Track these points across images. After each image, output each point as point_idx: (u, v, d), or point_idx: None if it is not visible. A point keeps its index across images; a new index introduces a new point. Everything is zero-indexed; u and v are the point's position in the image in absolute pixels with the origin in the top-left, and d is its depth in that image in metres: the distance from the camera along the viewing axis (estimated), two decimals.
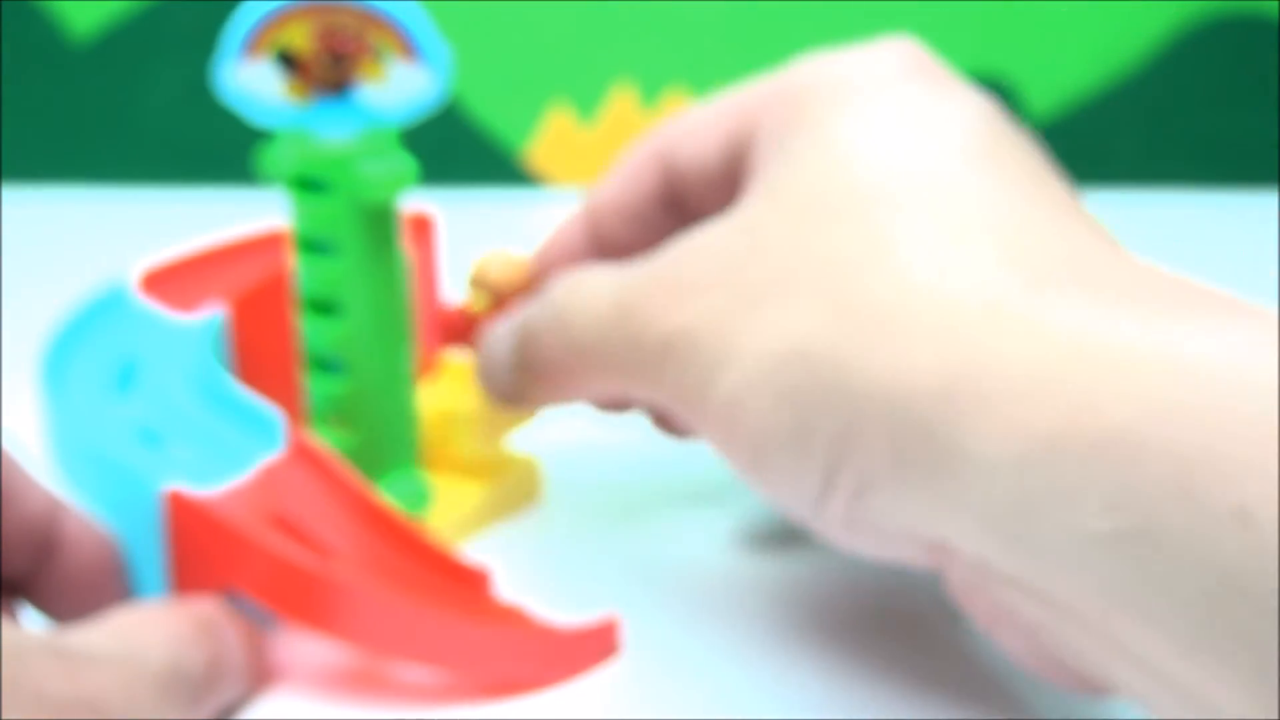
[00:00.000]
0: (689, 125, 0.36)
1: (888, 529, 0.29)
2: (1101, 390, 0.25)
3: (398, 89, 0.35)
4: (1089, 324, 0.26)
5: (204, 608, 0.30)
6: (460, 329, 0.40)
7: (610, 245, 0.37)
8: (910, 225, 0.29)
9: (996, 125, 0.31)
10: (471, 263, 0.39)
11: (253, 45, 0.34)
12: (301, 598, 0.31)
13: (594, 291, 0.34)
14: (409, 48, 0.34)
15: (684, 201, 0.36)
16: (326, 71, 0.34)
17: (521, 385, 0.36)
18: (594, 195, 0.38)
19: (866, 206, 0.30)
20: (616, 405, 0.37)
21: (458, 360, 0.41)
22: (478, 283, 0.39)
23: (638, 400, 0.35)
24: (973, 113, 0.31)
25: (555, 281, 0.36)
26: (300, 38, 0.34)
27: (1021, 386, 0.26)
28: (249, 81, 0.34)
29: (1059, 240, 0.29)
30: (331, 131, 0.35)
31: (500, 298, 0.39)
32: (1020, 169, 0.30)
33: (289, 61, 0.34)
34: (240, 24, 0.34)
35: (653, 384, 0.32)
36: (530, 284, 0.39)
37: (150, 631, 0.29)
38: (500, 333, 0.37)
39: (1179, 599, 0.24)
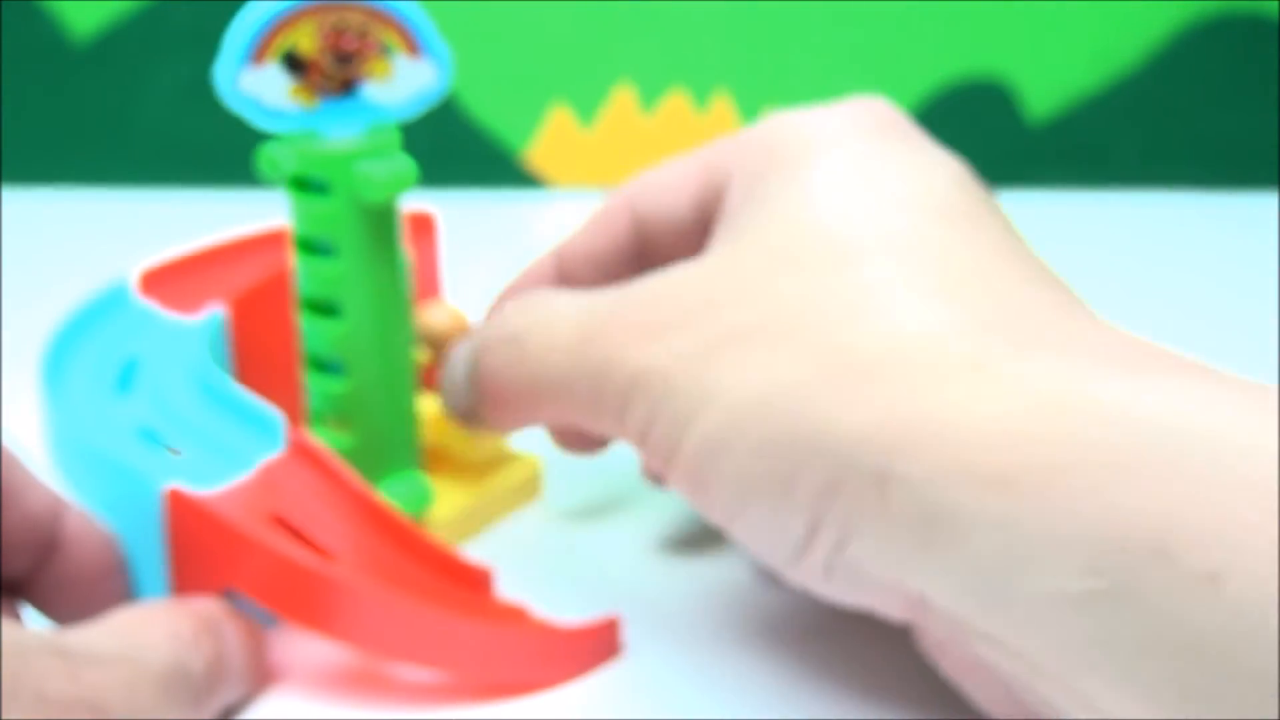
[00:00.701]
0: (660, 178, 0.36)
1: (865, 581, 0.29)
2: (1081, 450, 0.25)
3: (403, 83, 0.35)
4: (1069, 384, 0.26)
5: (205, 607, 0.30)
6: None
7: None
8: (889, 278, 0.29)
9: (967, 185, 0.32)
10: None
11: (259, 51, 0.34)
12: (302, 597, 0.31)
13: (555, 316, 0.33)
14: (413, 42, 0.35)
15: (653, 252, 0.36)
16: (333, 70, 0.34)
17: (478, 408, 0.36)
18: (565, 243, 0.37)
19: (842, 257, 0.30)
20: (581, 443, 0.37)
21: None
22: (418, 335, 0.38)
23: (599, 434, 0.34)
24: (944, 171, 0.32)
25: (509, 302, 0.35)
26: (306, 38, 0.34)
27: (1004, 443, 0.26)
28: (255, 87, 0.34)
29: (1034, 302, 0.29)
30: (338, 130, 0.35)
31: (440, 349, 0.38)
32: (992, 229, 0.31)
33: (295, 63, 0.34)
34: (245, 29, 0.34)
35: (614, 422, 0.32)
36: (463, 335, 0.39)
37: (151, 631, 0.29)
38: (459, 352, 0.36)
39: (1152, 660, 0.24)
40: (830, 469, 0.28)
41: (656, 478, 0.36)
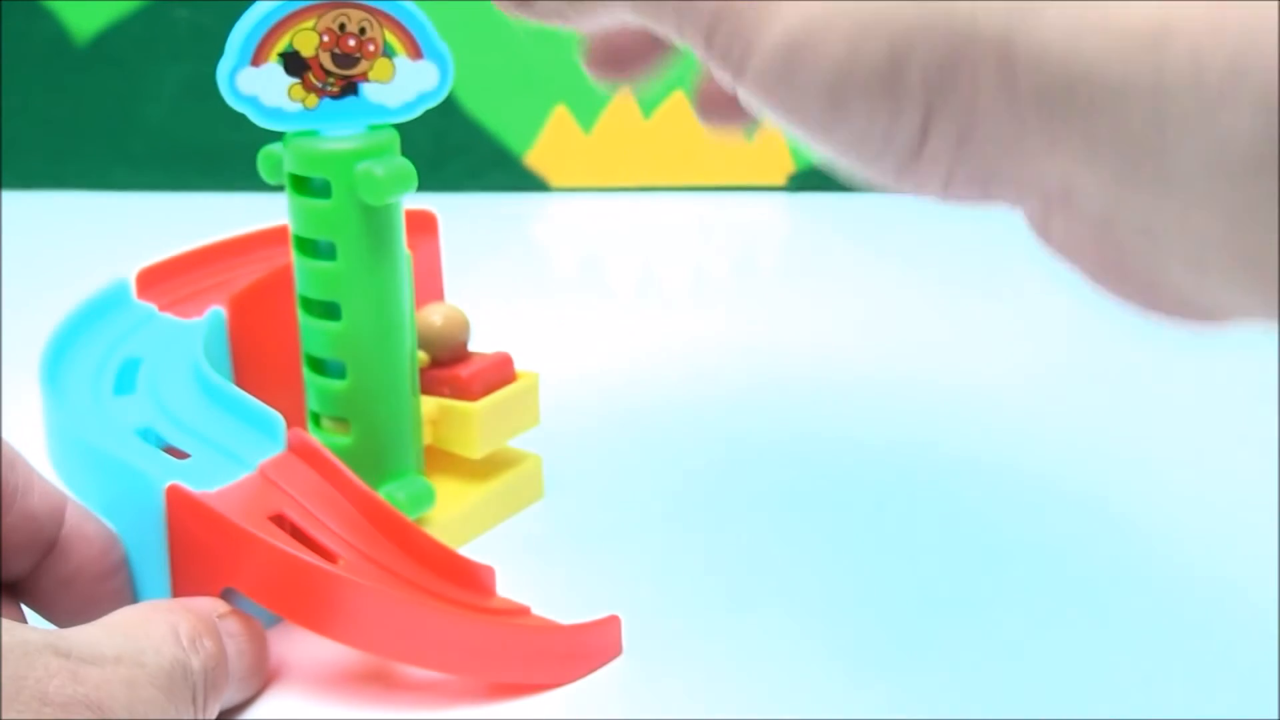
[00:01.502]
0: None
1: (994, 178, 0.25)
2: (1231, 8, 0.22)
3: (404, 85, 0.35)
4: None
5: (206, 606, 0.30)
6: None
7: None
8: None
9: None
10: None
11: (259, 50, 0.34)
12: (303, 597, 0.31)
13: None
14: (414, 44, 0.35)
15: None
16: (333, 70, 0.34)
17: None
18: None
19: None
20: (625, 54, 0.33)
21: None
22: (418, 336, 0.38)
23: (659, 34, 0.29)
24: None
25: None
26: (306, 38, 0.34)
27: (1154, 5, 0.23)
28: (255, 86, 0.34)
29: None
30: (339, 129, 0.35)
31: (440, 349, 0.38)
32: None
33: (295, 63, 0.34)
34: (245, 28, 0.34)
35: (676, 15, 0.27)
36: (465, 337, 0.38)
37: (152, 631, 0.29)
38: None
39: None
40: (942, 46, 0.24)
41: (713, 111, 0.32)
